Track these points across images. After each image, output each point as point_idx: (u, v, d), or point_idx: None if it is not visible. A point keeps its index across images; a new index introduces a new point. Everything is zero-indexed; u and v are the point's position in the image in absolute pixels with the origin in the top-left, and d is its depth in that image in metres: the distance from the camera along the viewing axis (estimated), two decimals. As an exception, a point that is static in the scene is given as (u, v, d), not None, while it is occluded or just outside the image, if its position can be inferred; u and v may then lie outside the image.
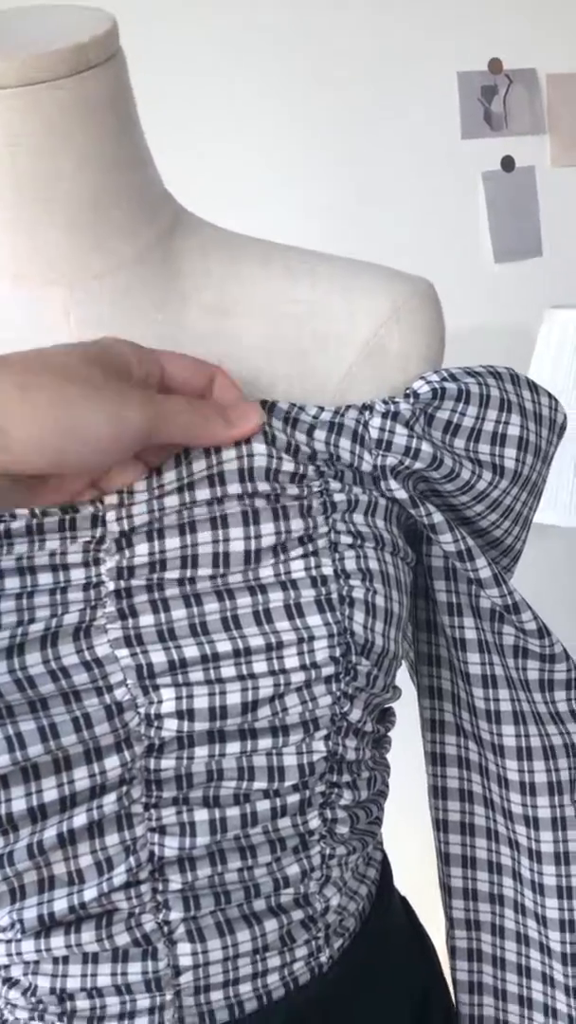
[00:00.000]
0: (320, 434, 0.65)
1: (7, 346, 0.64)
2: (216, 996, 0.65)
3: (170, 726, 0.61)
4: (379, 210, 1.84)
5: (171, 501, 0.62)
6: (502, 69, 1.89)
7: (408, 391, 0.68)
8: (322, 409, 0.66)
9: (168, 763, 0.61)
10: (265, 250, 0.72)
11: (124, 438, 0.54)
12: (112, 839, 0.61)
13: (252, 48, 1.70)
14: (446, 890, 0.79)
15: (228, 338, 0.68)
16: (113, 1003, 0.64)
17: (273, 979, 0.67)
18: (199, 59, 1.64)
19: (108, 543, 0.62)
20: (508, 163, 1.93)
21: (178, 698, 0.60)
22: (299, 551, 0.63)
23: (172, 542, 0.62)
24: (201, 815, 0.62)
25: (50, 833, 0.60)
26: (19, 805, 0.59)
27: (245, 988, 0.66)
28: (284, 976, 0.67)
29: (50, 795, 0.60)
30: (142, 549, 0.62)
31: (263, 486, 0.63)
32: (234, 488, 0.62)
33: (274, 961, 0.66)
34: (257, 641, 0.62)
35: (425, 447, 0.65)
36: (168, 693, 0.60)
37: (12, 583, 0.61)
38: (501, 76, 1.89)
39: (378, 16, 1.79)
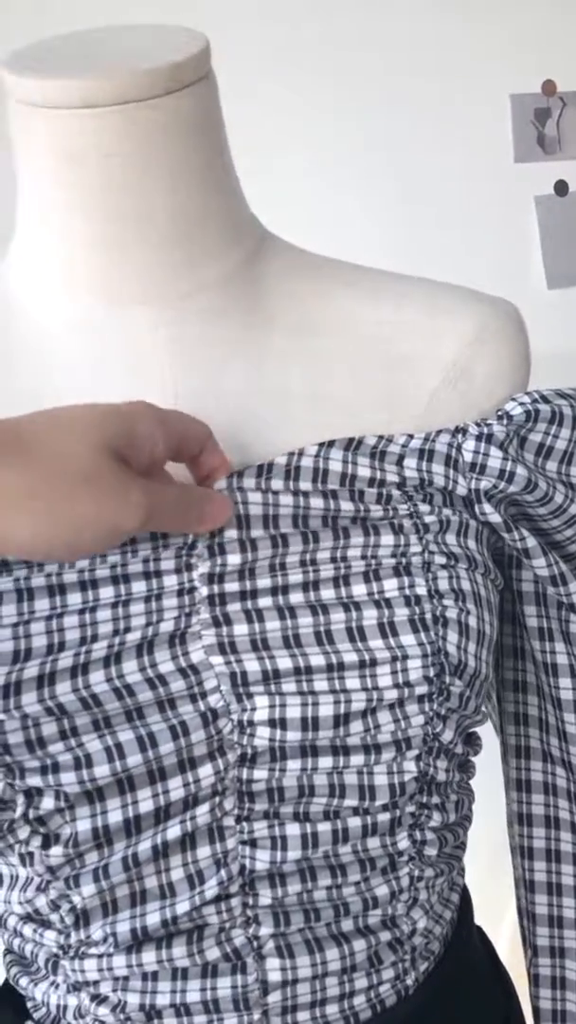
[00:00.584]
0: (411, 462, 0.65)
1: (99, 365, 0.64)
2: (303, 1016, 0.65)
3: (263, 734, 0.60)
4: (430, 234, 1.84)
5: (254, 497, 0.62)
6: (556, 91, 1.89)
7: (500, 412, 0.68)
8: (411, 437, 0.65)
9: (260, 774, 0.61)
10: (350, 272, 0.72)
11: (120, 533, 0.54)
12: (204, 852, 0.61)
13: (302, 69, 1.71)
14: (530, 917, 0.78)
15: (313, 358, 0.67)
16: (201, 1021, 0.64)
17: (360, 1001, 0.66)
18: (248, 78, 1.65)
19: (200, 548, 0.62)
20: (561, 187, 1.92)
21: (271, 706, 0.60)
22: (392, 569, 0.63)
23: (264, 552, 0.62)
24: (292, 829, 0.62)
25: (144, 846, 0.60)
26: (115, 817, 0.59)
27: (332, 1009, 0.65)
28: (371, 998, 0.66)
29: (145, 806, 0.60)
30: (234, 559, 0.62)
31: (346, 505, 0.63)
32: (317, 503, 0.63)
33: (361, 982, 0.66)
34: (351, 657, 0.61)
35: (520, 470, 0.65)
36: (262, 701, 0.60)
37: (107, 592, 0.61)
38: (555, 98, 1.89)
39: (430, 37, 1.79)
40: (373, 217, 1.78)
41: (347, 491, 0.64)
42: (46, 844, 0.60)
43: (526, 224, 1.94)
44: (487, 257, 1.91)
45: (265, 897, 0.63)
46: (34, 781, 0.59)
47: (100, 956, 0.63)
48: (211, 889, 0.61)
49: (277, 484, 0.63)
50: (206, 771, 0.61)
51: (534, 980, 0.79)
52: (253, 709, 0.60)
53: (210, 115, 0.65)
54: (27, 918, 0.64)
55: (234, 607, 0.62)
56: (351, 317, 0.69)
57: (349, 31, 1.75)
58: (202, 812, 0.61)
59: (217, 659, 0.61)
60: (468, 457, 0.66)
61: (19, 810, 0.59)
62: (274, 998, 0.64)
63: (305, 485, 0.63)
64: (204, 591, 0.62)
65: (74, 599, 0.61)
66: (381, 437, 0.65)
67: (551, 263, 1.95)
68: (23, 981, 0.69)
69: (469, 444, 0.66)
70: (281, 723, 0.60)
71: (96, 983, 0.64)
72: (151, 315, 0.64)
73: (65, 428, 0.54)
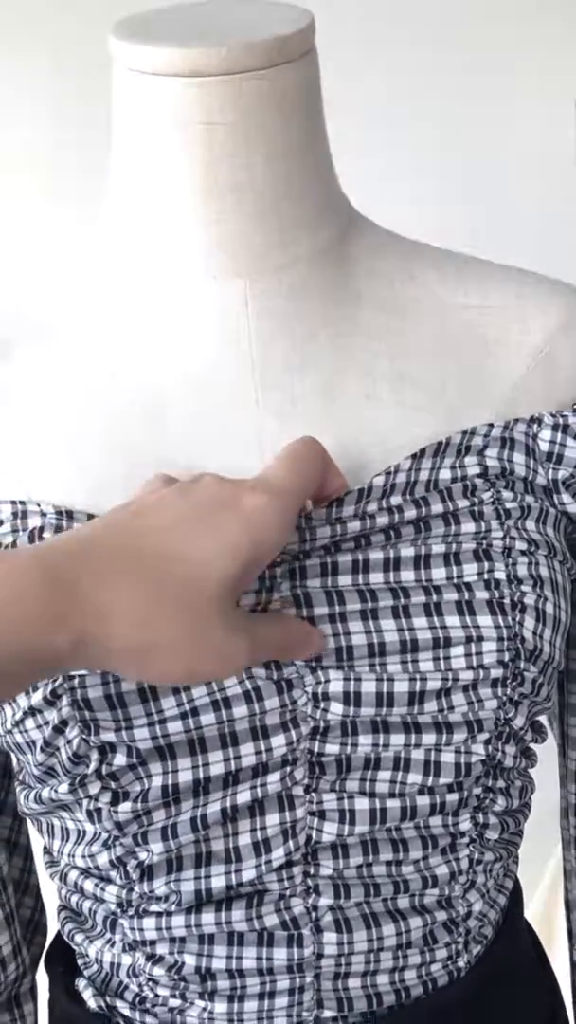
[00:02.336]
0: (492, 451, 0.65)
1: (190, 335, 0.65)
2: (354, 984, 0.65)
3: (336, 709, 0.61)
4: (491, 240, 1.83)
5: (352, 525, 0.62)
6: (621, 100, 1.88)
7: None
8: (491, 426, 0.66)
9: (332, 748, 0.61)
10: (437, 255, 0.72)
11: (215, 677, 0.56)
12: (272, 819, 0.62)
13: (375, 67, 1.71)
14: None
15: (399, 338, 0.68)
16: (254, 983, 0.65)
17: (411, 976, 0.66)
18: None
19: (284, 568, 0.62)
20: (622, 194, 1.91)
21: (345, 679, 0.61)
22: (472, 554, 0.63)
23: (344, 558, 0.63)
24: (362, 803, 0.62)
25: (214, 808, 0.61)
26: (185, 777, 0.60)
27: (383, 980, 0.66)
28: (422, 975, 0.67)
29: (216, 769, 0.60)
30: (315, 561, 0.62)
31: (436, 507, 0.64)
32: (410, 513, 0.63)
33: (414, 959, 0.66)
34: (424, 635, 0.61)
35: None
36: (336, 675, 0.61)
37: None
38: (620, 107, 1.88)
39: (493, 41, 1.79)
40: (432, 222, 1.78)
41: (436, 493, 0.64)
42: (115, 800, 0.60)
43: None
44: (549, 264, 1.90)
45: (327, 868, 0.63)
46: (108, 737, 0.59)
47: (160, 915, 0.63)
48: (278, 858, 0.62)
49: (373, 507, 0.63)
50: (278, 741, 0.61)
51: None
52: (327, 681, 0.61)
53: (311, 91, 0.65)
54: (87, 873, 0.65)
55: (314, 584, 0.62)
56: (437, 300, 0.69)
57: (425, 32, 1.75)
58: (272, 780, 0.61)
59: None
60: (544, 447, 0.66)
61: (92, 765, 0.59)
62: (327, 963, 0.65)
63: (396, 500, 0.63)
64: (285, 567, 0.62)
65: None
66: (465, 432, 0.65)
67: (610, 270, 1.94)
68: (78, 938, 0.69)
69: (545, 434, 0.66)
70: (356, 697, 0.61)
71: (153, 943, 0.64)
72: (243, 287, 0.64)
73: (195, 558, 0.52)
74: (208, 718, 0.60)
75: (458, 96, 1.83)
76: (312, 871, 0.63)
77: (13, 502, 0.63)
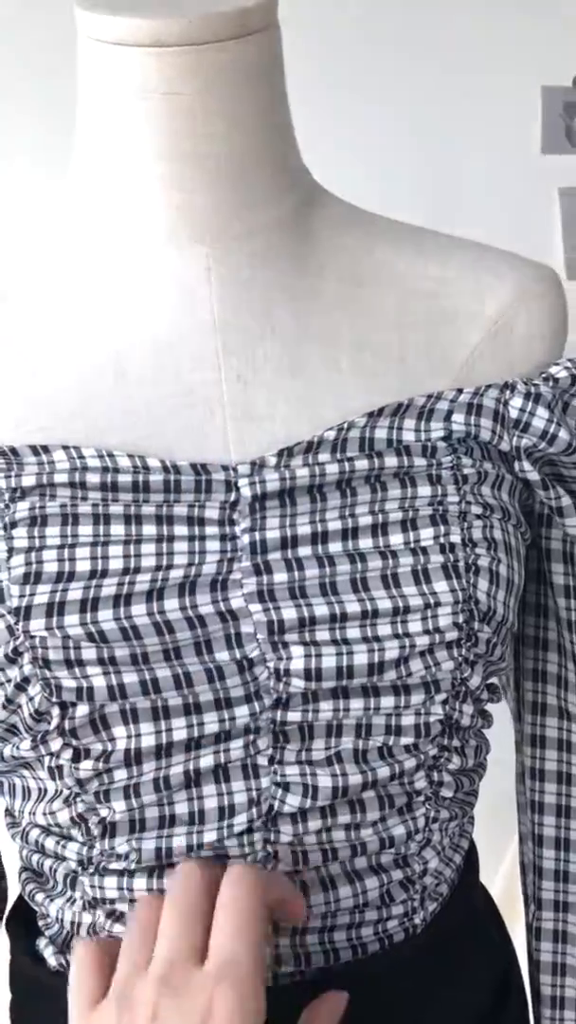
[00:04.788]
0: (459, 416, 0.67)
1: (151, 302, 0.65)
2: (312, 940, 0.66)
3: (298, 684, 0.62)
4: (451, 218, 1.85)
5: (301, 472, 0.64)
6: (587, 86, 1.90)
7: (545, 375, 0.69)
8: (460, 392, 0.67)
9: (294, 716, 0.63)
10: (398, 228, 0.73)
11: None
12: (238, 786, 0.63)
13: (331, 57, 1.71)
14: (536, 871, 0.80)
15: (361, 307, 0.69)
16: None
17: (367, 932, 0.67)
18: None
19: (242, 506, 0.63)
20: (586, 180, 1.93)
21: (307, 656, 0.62)
22: (429, 519, 0.64)
23: (304, 506, 0.64)
24: (324, 780, 0.63)
25: (176, 770, 0.62)
26: (148, 741, 0.61)
27: (340, 936, 0.67)
28: (379, 931, 0.68)
29: (179, 735, 0.61)
30: (274, 512, 0.64)
31: (391, 461, 0.65)
32: (362, 464, 0.64)
33: (371, 916, 0.67)
34: (384, 604, 0.63)
35: (562, 434, 0.66)
36: (297, 651, 0.62)
37: (150, 529, 0.63)
38: (585, 93, 1.90)
39: (465, 27, 1.79)
40: (393, 200, 1.79)
41: (392, 450, 0.65)
42: (76, 758, 0.61)
43: (549, 215, 1.95)
44: (508, 245, 1.92)
45: (286, 835, 0.64)
46: (70, 697, 0.60)
47: (121, 874, 0.64)
48: (240, 824, 0.63)
49: (324, 456, 0.64)
50: (241, 711, 0.62)
51: (536, 933, 0.81)
52: (289, 659, 0.62)
53: (273, 63, 0.67)
54: (48, 831, 0.66)
55: (274, 555, 0.63)
56: (397, 270, 0.70)
57: (382, 19, 1.75)
58: (236, 747, 0.62)
59: (256, 607, 0.62)
60: (514, 414, 0.67)
61: (54, 722, 0.60)
62: (284, 923, 0.65)
63: (352, 453, 0.65)
64: (246, 539, 0.63)
65: (118, 530, 0.63)
66: (430, 396, 0.67)
67: (572, 254, 1.96)
68: (38, 897, 0.70)
69: (516, 401, 0.68)
70: (316, 673, 0.62)
71: (113, 900, 0.65)
72: (205, 254, 0.65)
73: None
74: (171, 694, 0.61)
75: (425, 78, 1.83)
76: (272, 838, 0.64)
77: None
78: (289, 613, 0.62)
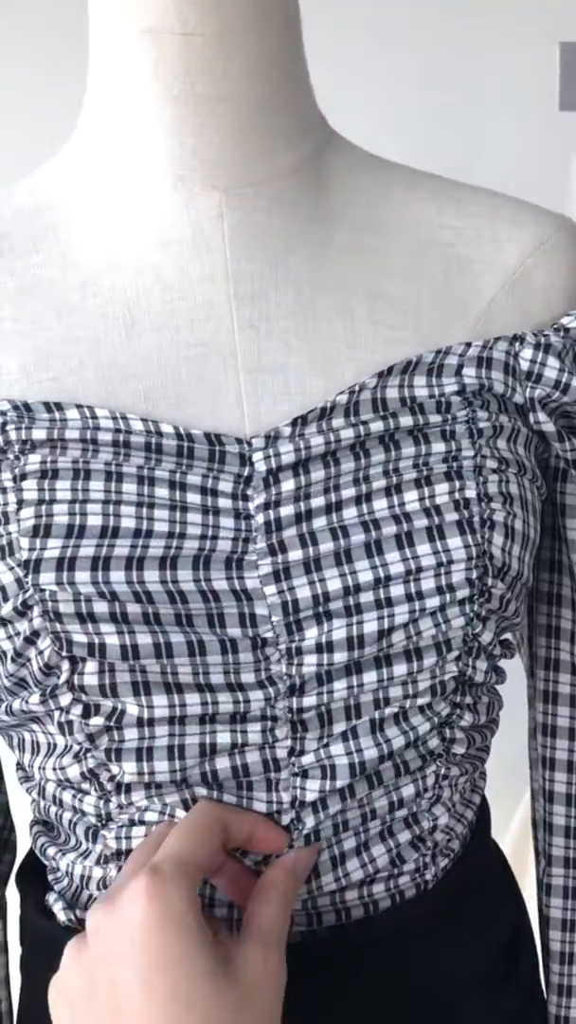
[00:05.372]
0: (470, 370, 0.66)
1: (165, 247, 0.64)
2: (323, 901, 0.66)
3: (310, 661, 0.61)
4: (467, 175, 1.83)
5: (316, 440, 0.63)
6: (606, 42, 1.87)
7: (557, 325, 0.68)
8: (468, 345, 0.66)
9: (310, 700, 0.62)
10: (413, 175, 0.72)
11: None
12: (253, 756, 0.62)
13: (345, 2, 1.69)
14: (546, 827, 0.79)
15: (374, 255, 0.68)
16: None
17: (379, 889, 0.67)
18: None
19: (256, 481, 0.63)
20: (604, 137, 1.91)
21: (319, 632, 0.61)
22: (443, 475, 0.64)
23: (317, 474, 0.63)
24: (341, 760, 0.63)
25: (192, 741, 0.61)
26: (161, 712, 0.60)
27: (351, 895, 0.66)
28: (390, 888, 0.67)
29: (193, 709, 0.61)
30: (288, 484, 0.63)
31: (405, 420, 0.64)
32: (376, 426, 0.64)
33: (383, 874, 0.67)
34: (397, 568, 0.62)
35: (575, 383, 0.65)
36: (311, 632, 0.61)
37: (163, 493, 0.62)
38: (605, 49, 1.87)
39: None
40: (411, 156, 1.78)
41: (406, 408, 0.64)
42: (86, 713, 0.61)
43: (566, 172, 1.93)
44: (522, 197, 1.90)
45: (308, 825, 0.63)
46: (80, 652, 0.60)
47: (150, 825, 0.64)
48: (260, 806, 0.62)
49: (339, 422, 0.64)
50: (256, 696, 0.61)
51: (546, 889, 0.80)
52: (302, 641, 0.61)
53: (290, 6, 0.65)
54: (63, 785, 0.65)
55: (289, 532, 0.62)
56: (413, 218, 0.69)
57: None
58: (253, 729, 0.62)
59: (271, 588, 0.62)
60: (525, 366, 0.67)
61: (63, 676, 0.60)
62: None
63: (366, 416, 0.64)
64: (260, 518, 0.62)
65: (130, 489, 0.62)
66: (439, 351, 0.66)
67: (588, 213, 1.94)
68: (50, 851, 0.70)
69: (527, 353, 0.67)
70: (328, 646, 0.61)
71: (130, 852, 0.65)
72: (218, 199, 0.64)
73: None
74: (183, 661, 0.60)
75: (444, 34, 1.82)
76: (298, 826, 0.63)
77: None
78: (303, 592, 0.62)
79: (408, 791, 0.66)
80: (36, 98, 1.57)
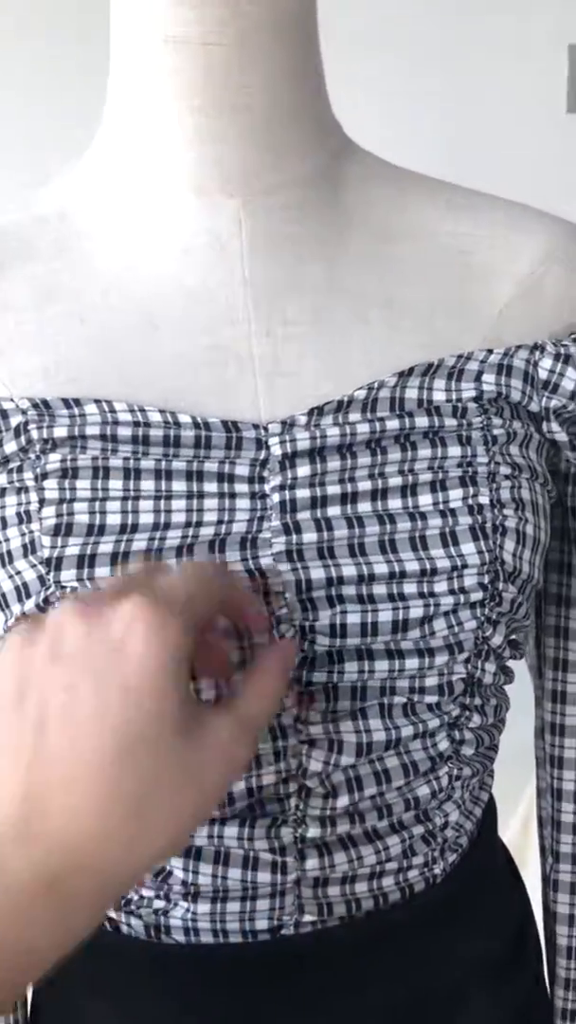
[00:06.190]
0: (489, 377, 0.67)
1: (184, 255, 0.65)
2: (334, 891, 0.67)
3: (323, 641, 0.62)
4: (475, 178, 1.84)
5: (332, 431, 0.64)
6: (614, 45, 1.88)
7: (575, 335, 0.69)
8: (490, 352, 0.67)
9: (319, 676, 0.63)
10: (429, 183, 0.73)
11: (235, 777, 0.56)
12: (264, 746, 0.63)
13: (355, 6, 1.70)
14: (554, 824, 0.81)
15: (390, 263, 0.69)
16: (236, 887, 0.66)
17: (389, 882, 0.68)
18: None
19: (272, 464, 0.64)
20: (612, 140, 1.92)
21: (333, 613, 0.62)
22: (458, 480, 0.65)
23: (333, 464, 0.64)
24: (349, 737, 0.64)
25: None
26: None
27: (362, 887, 0.68)
28: (400, 881, 0.69)
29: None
30: (304, 470, 0.64)
31: (421, 421, 0.65)
32: (392, 424, 0.65)
33: (392, 866, 0.68)
34: (412, 566, 0.63)
35: None
36: (324, 608, 0.62)
37: (180, 485, 0.63)
38: (612, 52, 1.88)
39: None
40: (420, 160, 1.78)
41: (423, 410, 0.66)
42: None
43: (574, 174, 1.94)
44: (532, 203, 1.91)
45: (315, 809, 0.65)
46: None
47: None
48: (268, 775, 0.63)
49: (355, 416, 0.65)
50: None
51: (553, 885, 0.82)
52: (316, 619, 0.62)
53: (308, 16, 0.66)
54: None
55: (304, 515, 0.64)
56: (428, 226, 0.70)
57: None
58: None
59: (284, 566, 0.63)
60: (543, 375, 0.68)
61: None
62: (308, 877, 0.66)
63: (383, 413, 0.65)
64: (276, 498, 0.63)
65: (148, 485, 0.63)
66: (460, 356, 0.67)
67: (596, 215, 1.94)
68: None
69: (546, 362, 0.68)
70: (341, 629, 0.62)
71: None
72: (236, 207, 0.65)
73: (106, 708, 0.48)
74: None
75: (452, 37, 1.83)
76: (303, 806, 0.65)
77: None
78: (317, 573, 0.63)
79: (423, 791, 0.67)
80: (36, 98, 1.59)
